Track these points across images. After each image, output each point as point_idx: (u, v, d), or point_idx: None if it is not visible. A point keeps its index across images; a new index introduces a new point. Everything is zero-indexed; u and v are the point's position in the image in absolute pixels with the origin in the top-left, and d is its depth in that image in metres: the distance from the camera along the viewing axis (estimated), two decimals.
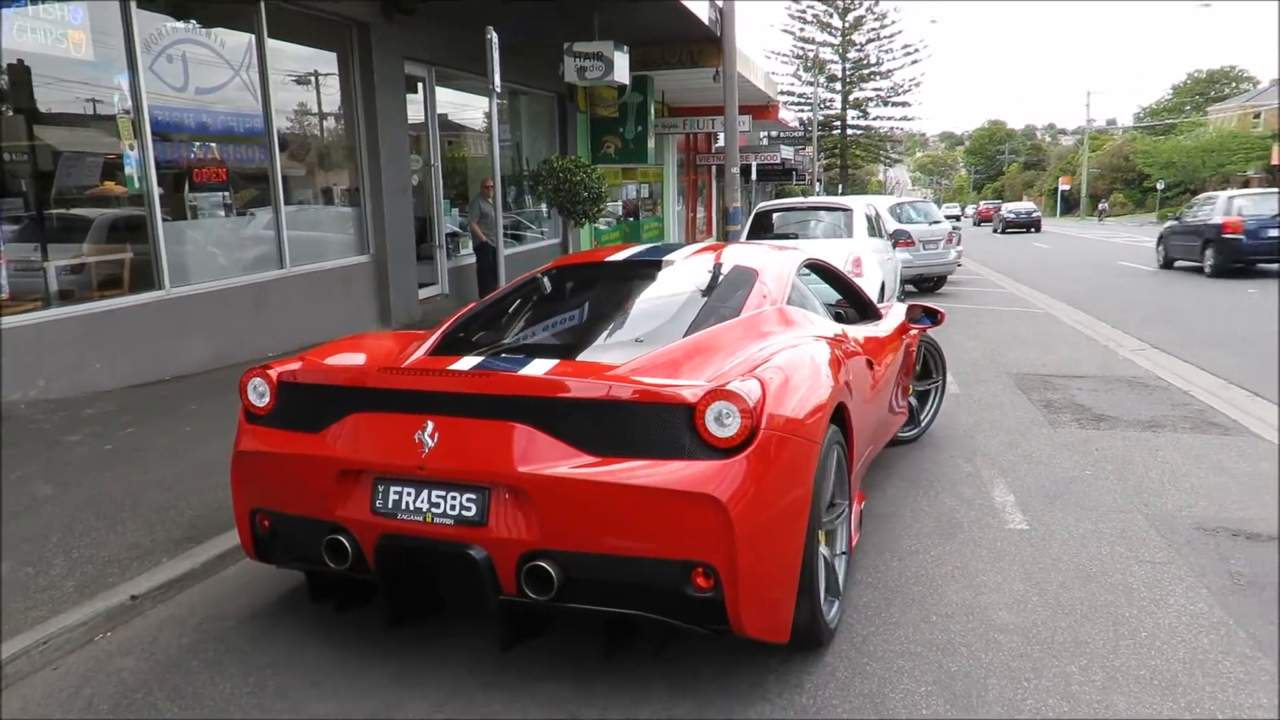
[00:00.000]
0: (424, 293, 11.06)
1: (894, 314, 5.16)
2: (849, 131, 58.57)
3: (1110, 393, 7.02)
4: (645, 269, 4.15)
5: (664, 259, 4.21)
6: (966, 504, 4.54)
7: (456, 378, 2.92)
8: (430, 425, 2.83)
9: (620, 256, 4.31)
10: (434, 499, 2.80)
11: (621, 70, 12.74)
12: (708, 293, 3.74)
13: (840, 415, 3.28)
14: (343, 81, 9.70)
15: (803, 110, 54.93)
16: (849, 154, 58.26)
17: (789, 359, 3.08)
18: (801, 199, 11.82)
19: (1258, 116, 64.88)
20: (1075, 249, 29.08)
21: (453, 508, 2.79)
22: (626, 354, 3.06)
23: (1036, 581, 3.63)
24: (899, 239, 13.26)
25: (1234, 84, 79.50)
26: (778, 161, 30.81)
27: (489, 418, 2.79)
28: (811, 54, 53.58)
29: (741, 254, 4.23)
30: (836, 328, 4.00)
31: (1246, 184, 61.72)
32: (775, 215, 10.88)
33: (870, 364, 4.07)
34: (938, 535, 4.12)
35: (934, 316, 5.39)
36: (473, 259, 11.85)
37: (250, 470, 3.19)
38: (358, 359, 3.32)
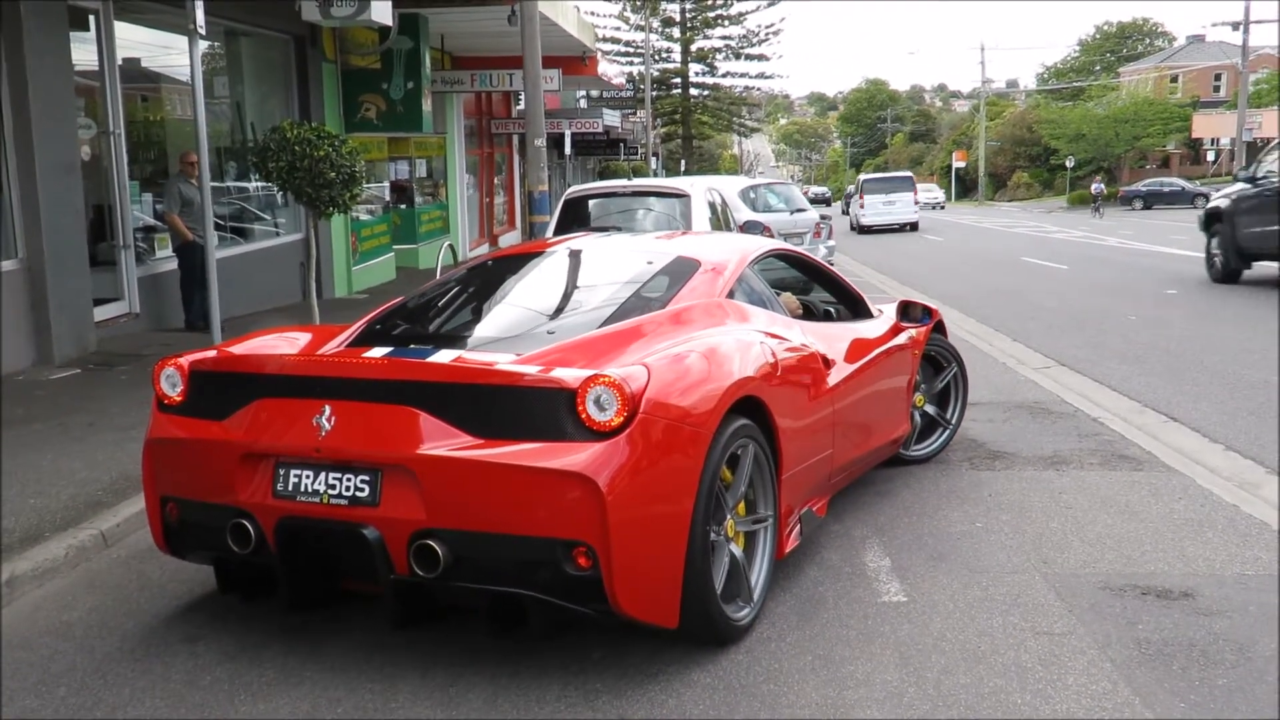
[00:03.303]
0: (103, 312, 10.50)
1: (887, 314, 6.15)
2: (692, 91, 60.47)
3: (1009, 423, 7.55)
4: (583, 260, 5.28)
5: (604, 249, 5.44)
6: (832, 573, 4.75)
7: (352, 364, 3.91)
8: (328, 409, 3.77)
9: (559, 248, 5.44)
10: (330, 480, 3.73)
11: (382, 6, 12.63)
12: (639, 285, 4.75)
13: (758, 410, 4.18)
14: None
15: (632, 63, 56.19)
16: (693, 120, 60.10)
17: (691, 348, 4.03)
18: (624, 182, 12.08)
19: (1175, 80, 71.96)
20: (971, 242, 31.13)
21: (347, 489, 3.70)
22: (535, 345, 4.03)
23: (914, 668, 3.84)
24: (752, 233, 13.79)
25: (1147, 40, 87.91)
26: (600, 130, 31.34)
27: (382, 402, 3.74)
28: None
29: (689, 244, 5.43)
30: (790, 324, 4.99)
31: (1166, 161, 68.48)
32: (591, 203, 11.06)
33: (826, 361, 4.97)
34: (795, 616, 4.28)
35: (927, 314, 6.28)
36: (174, 263, 11.37)
37: (160, 459, 4.18)
38: (272, 349, 4.35)
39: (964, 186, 78.52)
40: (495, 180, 27.87)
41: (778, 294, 5.51)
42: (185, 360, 4.22)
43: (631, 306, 4.51)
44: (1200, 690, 3.64)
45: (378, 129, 16.66)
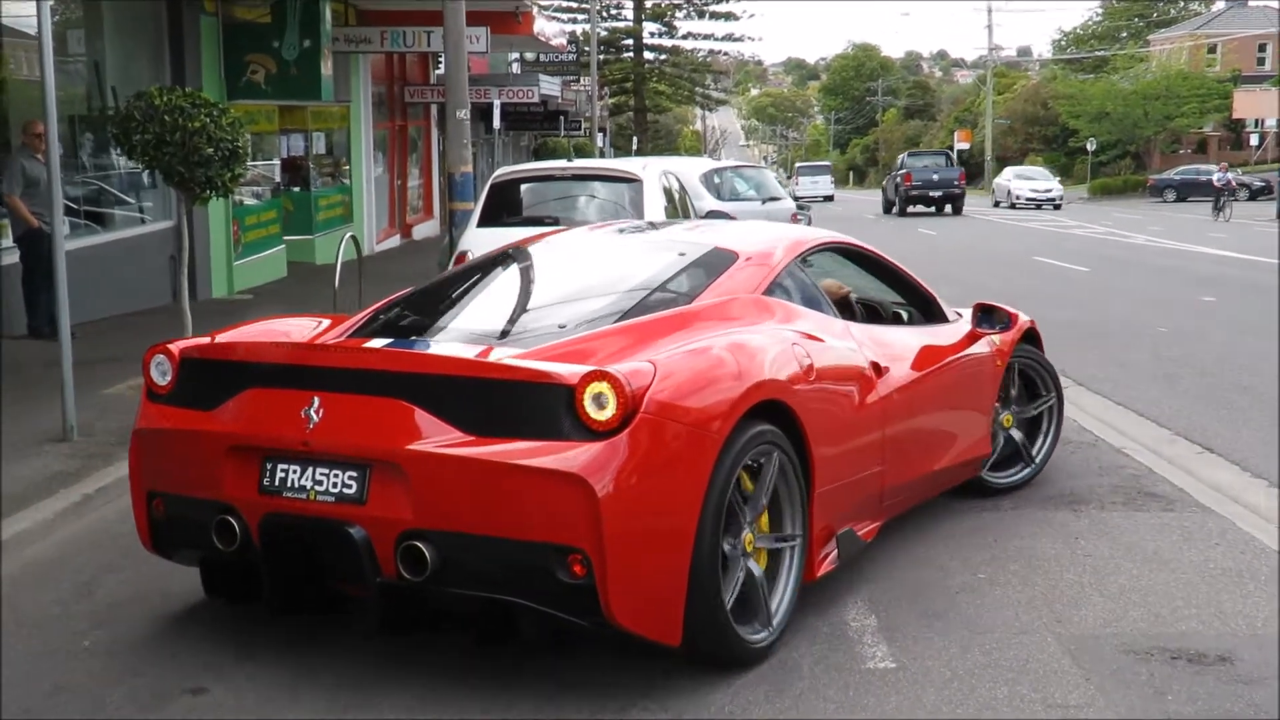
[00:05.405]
0: None
1: (966, 319, 6.51)
2: (647, 55, 60.74)
3: None
4: (609, 251, 5.91)
5: (634, 239, 6.13)
6: (808, 634, 4.74)
7: (342, 354, 4.38)
8: (316, 401, 4.14)
9: (585, 236, 6.21)
10: (318, 476, 4.10)
11: None
12: (666, 278, 5.20)
13: (786, 417, 4.50)
14: None
15: (575, 21, 56.32)
16: (647, 90, 60.33)
17: (709, 346, 4.42)
18: (563, 164, 12.06)
19: (1213, 50, 73.26)
20: (973, 237, 31.44)
21: (334, 485, 4.08)
22: (543, 339, 4.46)
23: None
24: None
25: (1181, 3, 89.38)
26: (535, 100, 31.33)
27: (373, 395, 4.12)
28: None
29: (729, 234, 5.94)
30: (838, 325, 5.35)
31: (1203, 145, 69.80)
32: (524, 188, 11.04)
33: (878, 369, 5.29)
34: (765, 686, 4.28)
35: (1005, 320, 6.52)
36: (15, 256, 11.22)
37: (147, 450, 4.61)
38: (266, 336, 4.86)
39: (968, 172, 79.23)
40: (409, 159, 27.78)
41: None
42: (176, 346, 4.64)
43: (655, 301, 4.95)
44: None
45: (267, 96, 16.56)
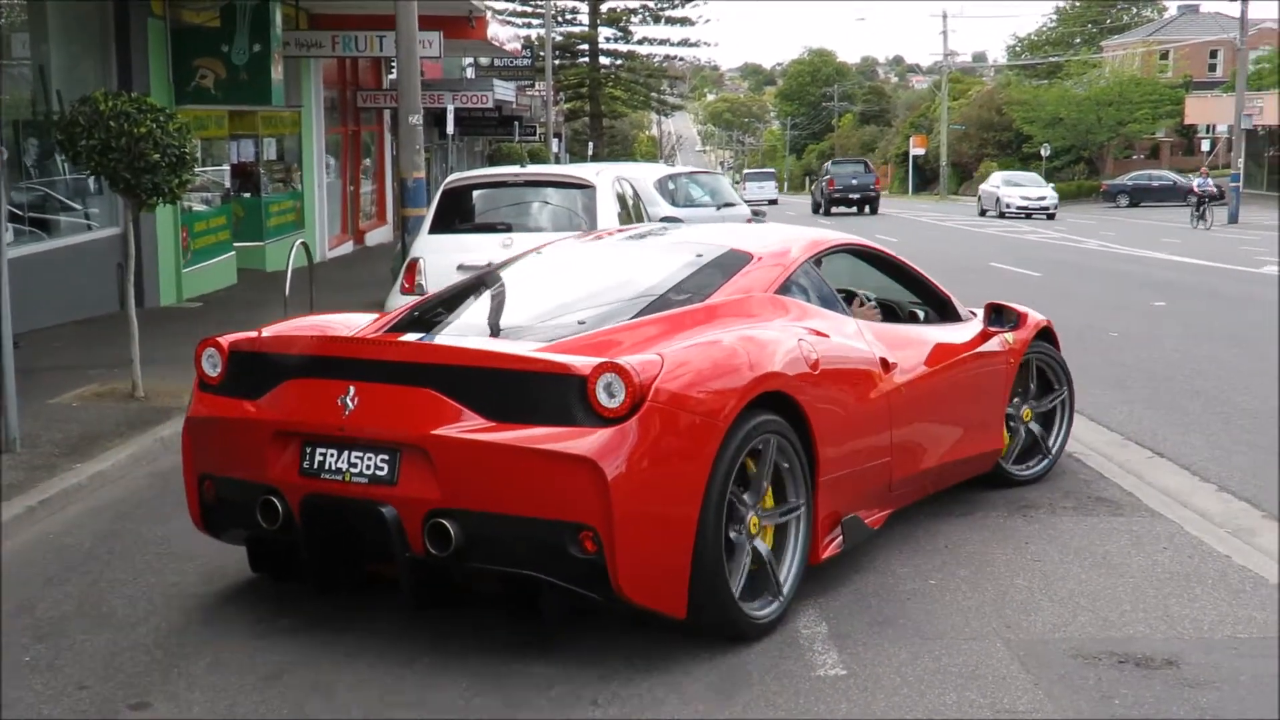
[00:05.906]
0: None
1: (979, 319, 6.85)
2: (603, 60, 60.80)
3: None
4: (633, 252, 6.44)
5: (659, 241, 6.57)
6: (759, 641, 4.76)
7: (375, 347, 4.93)
8: (352, 390, 4.60)
9: (611, 238, 6.84)
10: (353, 459, 4.57)
11: None
12: (683, 277, 5.62)
13: (791, 408, 4.91)
14: None
15: (530, 25, 56.30)
16: (603, 95, 60.40)
17: (718, 340, 4.85)
18: (516, 170, 12.05)
19: (1165, 56, 74.17)
20: (933, 243, 31.67)
21: (368, 467, 4.54)
22: (563, 334, 4.88)
23: None
24: None
25: (1133, 9, 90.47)
26: (490, 105, 31.31)
27: (402, 384, 4.57)
28: None
29: (746, 236, 6.46)
30: (847, 323, 5.76)
31: (1155, 150, 70.59)
32: (476, 194, 11.04)
33: (886, 364, 5.67)
34: (713, 694, 4.31)
35: (1014, 319, 6.84)
36: None
37: (199, 437, 5.12)
38: (307, 331, 5.36)
39: (923, 178, 79.93)
40: (362, 164, 27.66)
41: (862, 295, 6.59)
42: (225, 340, 5.11)
43: (672, 299, 5.37)
44: None
45: (216, 100, 16.45)
